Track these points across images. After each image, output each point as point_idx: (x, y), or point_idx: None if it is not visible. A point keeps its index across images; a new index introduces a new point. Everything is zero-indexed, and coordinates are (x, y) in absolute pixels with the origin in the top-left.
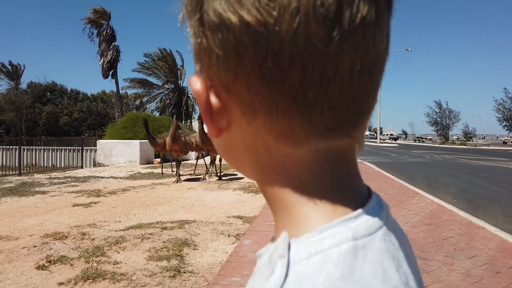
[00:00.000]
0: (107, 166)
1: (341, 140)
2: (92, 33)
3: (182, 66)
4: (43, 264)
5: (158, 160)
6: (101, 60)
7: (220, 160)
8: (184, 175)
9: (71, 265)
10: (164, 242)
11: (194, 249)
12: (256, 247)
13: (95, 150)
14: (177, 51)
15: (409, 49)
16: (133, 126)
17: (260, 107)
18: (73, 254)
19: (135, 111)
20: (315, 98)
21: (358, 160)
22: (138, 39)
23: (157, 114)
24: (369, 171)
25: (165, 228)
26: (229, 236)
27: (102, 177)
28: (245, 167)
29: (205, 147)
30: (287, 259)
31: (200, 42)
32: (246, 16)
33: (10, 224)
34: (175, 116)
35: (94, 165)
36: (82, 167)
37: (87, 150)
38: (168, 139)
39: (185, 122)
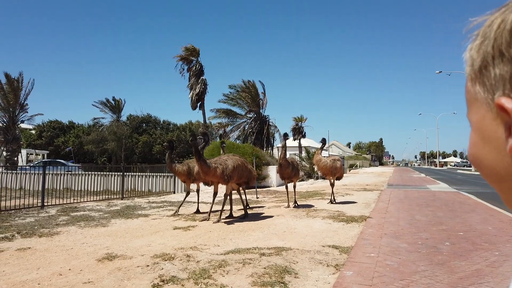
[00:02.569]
0: (202, 191)
1: None
2: (183, 69)
3: (264, 95)
4: (158, 283)
5: (244, 186)
6: (191, 93)
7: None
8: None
9: (182, 285)
10: (265, 268)
11: (295, 277)
12: (359, 279)
13: None
14: (259, 81)
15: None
16: (219, 154)
17: None
18: (182, 275)
19: (218, 140)
20: None
21: (454, 190)
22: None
23: (238, 142)
24: (470, 202)
25: (263, 254)
26: (328, 266)
27: (194, 202)
28: None
29: (285, 174)
30: None
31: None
32: None
33: (122, 244)
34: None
35: (184, 190)
36: (174, 192)
37: None
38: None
39: (266, 150)
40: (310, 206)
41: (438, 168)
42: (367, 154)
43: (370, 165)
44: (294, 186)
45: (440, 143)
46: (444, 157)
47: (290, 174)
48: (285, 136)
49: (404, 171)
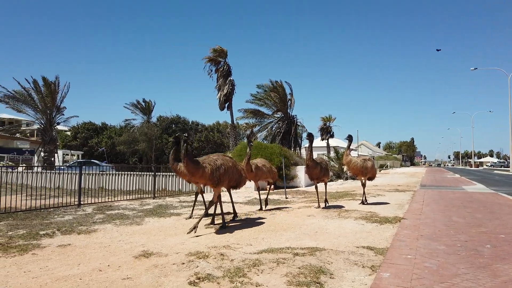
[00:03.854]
0: (225, 191)
1: None
2: (211, 70)
3: (291, 95)
4: (194, 281)
5: (272, 186)
6: (218, 94)
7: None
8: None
9: (218, 283)
10: (299, 268)
11: (331, 277)
12: (397, 281)
13: None
14: (285, 82)
15: None
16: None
17: None
18: (217, 273)
19: (245, 140)
20: None
21: (492, 191)
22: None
23: (266, 142)
24: (511, 204)
25: (296, 254)
26: (363, 267)
27: (223, 202)
28: None
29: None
30: None
31: None
32: None
33: (157, 242)
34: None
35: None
36: (204, 192)
37: None
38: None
39: (294, 150)
40: (340, 206)
41: (473, 168)
42: (397, 154)
43: (401, 166)
44: (325, 186)
45: (475, 143)
46: (479, 157)
47: (318, 175)
48: (310, 137)
49: (437, 171)
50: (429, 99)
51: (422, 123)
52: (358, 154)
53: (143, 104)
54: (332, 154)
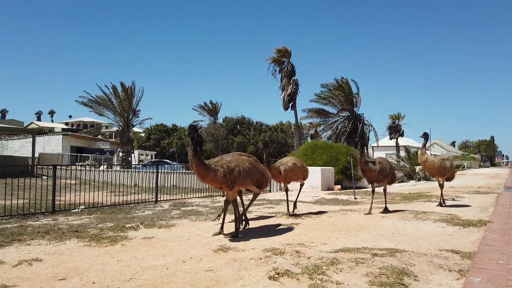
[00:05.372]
0: (291, 190)
1: None
2: (275, 71)
3: (358, 93)
4: (273, 276)
5: (339, 187)
6: (282, 94)
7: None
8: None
9: (297, 279)
10: (380, 268)
11: (415, 279)
12: (490, 286)
13: None
14: (351, 79)
15: None
16: (312, 153)
17: None
18: (295, 269)
19: (309, 140)
20: None
21: None
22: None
23: (330, 142)
24: None
25: (375, 255)
26: (450, 270)
27: (291, 201)
28: None
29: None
30: None
31: None
32: None
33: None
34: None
35: (280, 189)
36: (270, 191)
37: None
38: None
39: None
40: (406, 209)
41: None
42: (475, 154)
43: (480, 166)
44: (385, 190)
45: None
46: None
47: (377, 177)
48: (361, 140)
49: None
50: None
51: (503, 120)
52: (430, 154)
53: (210, 105)
54: (403, 153)
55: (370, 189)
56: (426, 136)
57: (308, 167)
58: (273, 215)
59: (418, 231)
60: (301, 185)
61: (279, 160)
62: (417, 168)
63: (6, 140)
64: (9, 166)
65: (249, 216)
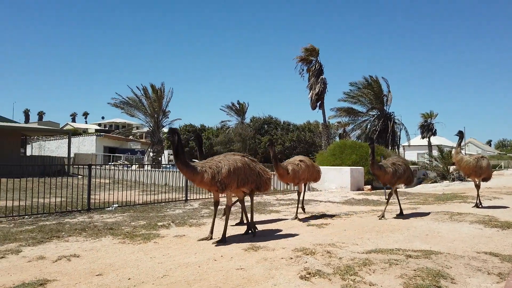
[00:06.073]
0: (320, 191)
1: None
2: (303, 70)
3: (389, 91)
4: (305, 275)
5: (369, 187)
6: (310, 93)
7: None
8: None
9: (329, 280)
10: (414, 270)
11: (452, 282)
12: None
13: None
14: (382, 77)
15: None
16: (341, 153)
17: None
18: (327, 270)
19: (337, 139)
20: None
21: None
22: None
23: (359, 141)
24: None
25: (409, 256)
26: (489, 273)
27: (320, 201)
28: None
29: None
30: None
31: None
32: None
33: (262, 237)
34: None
35: (308, 189)
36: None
37: None
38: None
39: (391, 149)
40: (441, 210)
41: None
42: None
43: None
44: (394, 192)
45: None
46: None
47: (391, 180)
48: (371, 140)
49: None
50: None
51: None
52: (465, 153)
53: (237, 106)
54: (435, 153)
55: (401, 190)
56: (461, 135)
57: (337, 167)
58: (306, 215)
59: (454, 233)
60: (305, 186)
61: (287, 160)
62: (451, 168)
63: (43, 141)
64: (47, 166)
65: (276, 216)
